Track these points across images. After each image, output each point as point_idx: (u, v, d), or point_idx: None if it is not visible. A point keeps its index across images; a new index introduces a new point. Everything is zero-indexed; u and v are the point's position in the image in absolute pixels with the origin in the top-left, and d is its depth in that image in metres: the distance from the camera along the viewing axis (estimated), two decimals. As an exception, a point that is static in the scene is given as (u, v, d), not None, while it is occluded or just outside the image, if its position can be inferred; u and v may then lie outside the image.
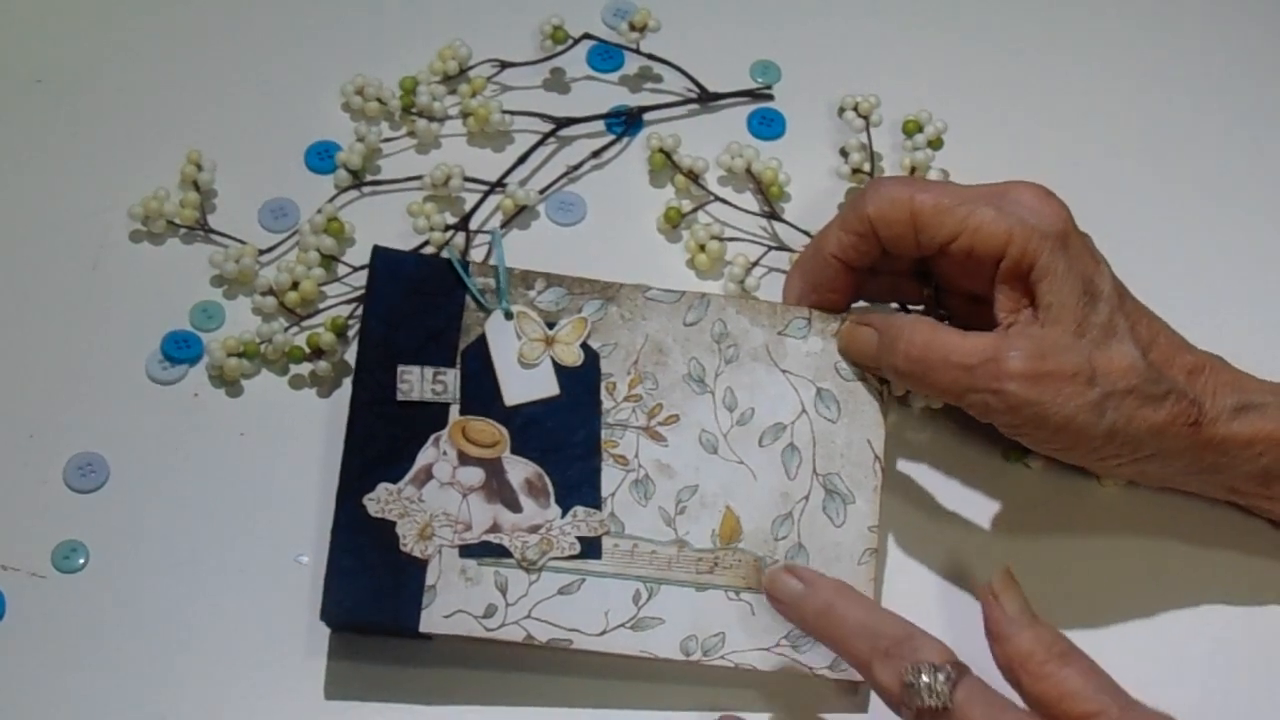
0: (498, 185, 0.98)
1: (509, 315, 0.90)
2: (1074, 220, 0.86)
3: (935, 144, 1.01)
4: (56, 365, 0.92)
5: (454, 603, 0.84)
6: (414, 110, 1.00)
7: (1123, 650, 0.89)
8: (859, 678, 0.82)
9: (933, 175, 0.99)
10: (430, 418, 0.88)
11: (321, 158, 0.99)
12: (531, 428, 0.88)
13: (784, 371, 0.90)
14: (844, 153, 1.00)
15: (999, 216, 0.85)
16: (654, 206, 0.99)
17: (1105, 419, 0.84)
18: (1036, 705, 0.78)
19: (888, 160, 1.01)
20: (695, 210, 0.99)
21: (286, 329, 0.93)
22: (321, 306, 0.94)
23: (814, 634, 0.83)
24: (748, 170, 0.99)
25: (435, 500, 0.86)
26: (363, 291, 0.91)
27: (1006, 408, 0.84)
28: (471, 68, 1.01)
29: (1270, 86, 1.06)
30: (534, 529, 0.86)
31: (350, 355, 0.92)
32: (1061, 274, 0.84)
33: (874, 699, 0.83)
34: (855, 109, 1.00)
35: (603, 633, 0.85)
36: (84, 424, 0.90)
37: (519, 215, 0.98)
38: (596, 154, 1.00)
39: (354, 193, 0.98)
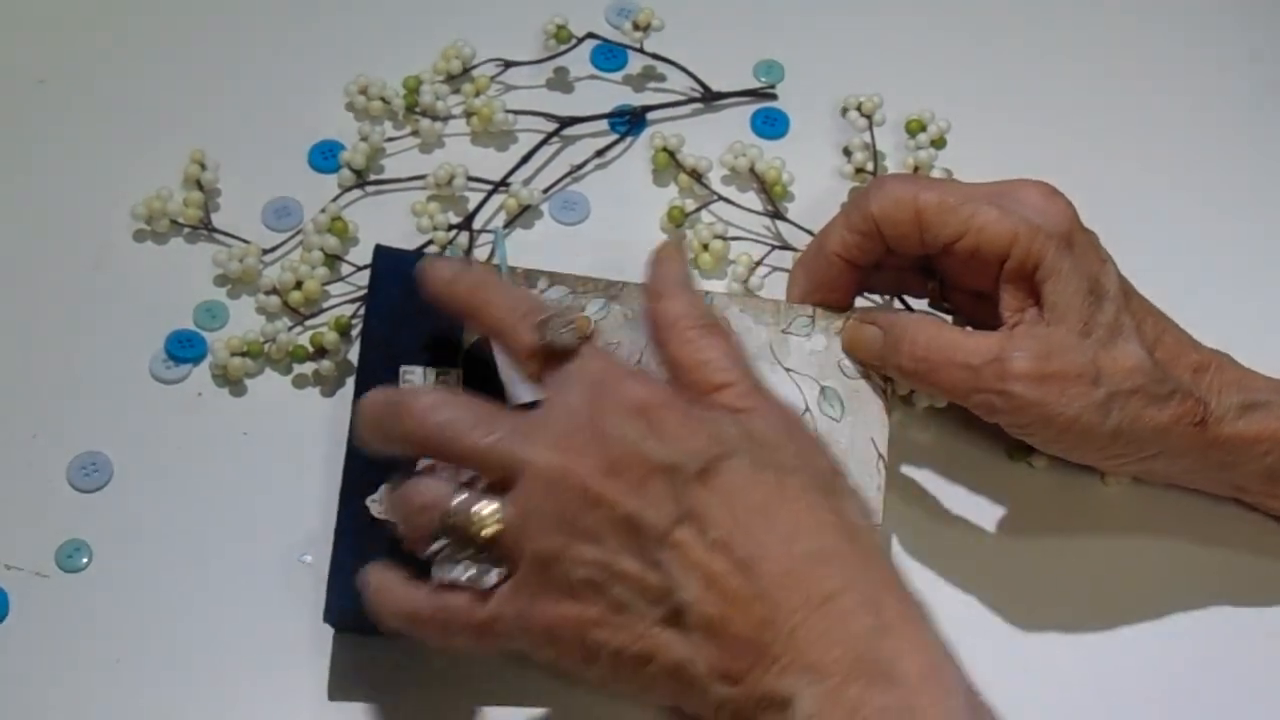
0: (501, 185, 0.98)
1: (512, 314, 0.90)
2: (1079, 219, 0.86)
3: (938, 143, 1.01)
4: (60, 365, 0.92)
5: (457, 602, 0.84)
6: (417, 110, 1.00)
7: (1128, 649, 0.89)
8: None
9: (936, 174, 0.99)
10: (433, 417, 0.87)
11: (325, 157, 0.99)
12: (534, 427, 0.88)
13: (787, 370, 0.90)
14: (847, 152, 1.00)
15: (1003, 216, 0.85)
16: (657, 206, 0.99)
17: (1111, 419, 0.84)
18: (674, 368, 0.79)
19: (891, 160, 1.01)
20: (699, 210, 0.99)
21: (290, 328, 0.93)
22: (325, 306, 0.94)
23: (464, 312, 0.83)
24: (751, 170, 0.99)
25: (438, 500, 0.86)
26: (366, 291, 0.91)
27: (1011, 408, 0.84)
28: (475, 67, 1.01)
29: (1273, 85, 1.06)
30: (537, 528, 0.86)
31: (354, 355, 0.92)
32: (1066, 273, 0.84)
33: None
34: (858, 108, 1.00)
35: None
36: (87, 423, 0.90)
37: (522, 215, 0.98)
38: (600, 153, 1.00)
39: (357, 192, 0.98)
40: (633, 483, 0.74)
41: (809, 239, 0.95)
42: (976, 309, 0.89)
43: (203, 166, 0.97)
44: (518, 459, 0.75)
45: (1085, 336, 0.84)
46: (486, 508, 0.76)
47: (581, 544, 0.74)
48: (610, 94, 1.03)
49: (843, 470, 0.78)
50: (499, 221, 0.98)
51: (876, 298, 0.95)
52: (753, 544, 0.72)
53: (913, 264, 0.91)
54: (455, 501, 0.76)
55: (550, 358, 0.79)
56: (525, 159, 0.99)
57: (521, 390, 0.88)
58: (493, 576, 0.76)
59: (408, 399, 0.78)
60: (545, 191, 0.99)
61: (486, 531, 0.76)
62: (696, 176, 0.99)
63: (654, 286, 0.81)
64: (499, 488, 0.76)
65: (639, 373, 0.78)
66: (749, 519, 0.73)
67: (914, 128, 1.01)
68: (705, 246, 0.97)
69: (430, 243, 0.95)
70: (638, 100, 1.03)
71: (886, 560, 0.75)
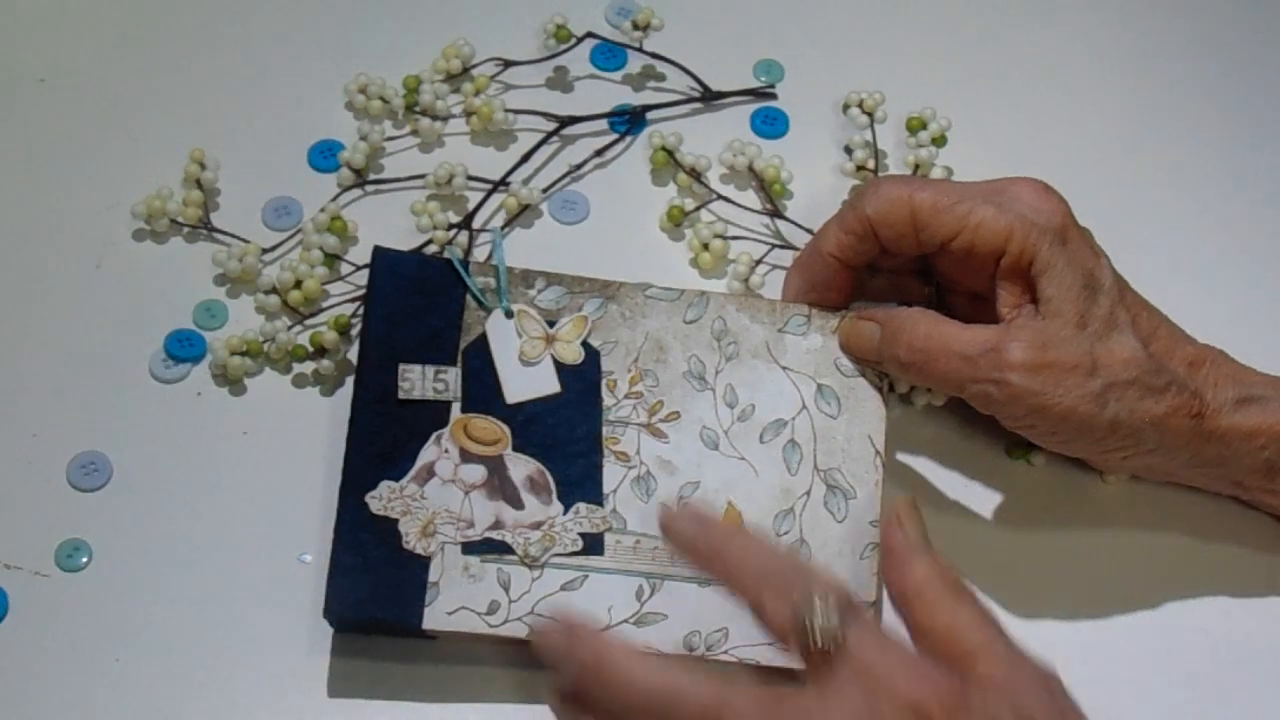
0: (501, 184, 0.98)
1: (509, 314, 0.90)
2: (1073, 215, 0.86)
3: (939, 141, 1.01)
4: (59, 364, 0.92)
5: (457, 600, 0.84)
6: (417, 109, 1.00)
7: (1126, 645, 0.89)
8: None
9: (936, 172, 0.99)
10: (432, 416, 0.88)
11: (325, 156, 0.99)
12: (533, 425, 0.88)
13: (784, 368, 0.90)
14: (848, 150, 1.00)
15: (998, 213, 0.85)
16: (657, 205, 0.99)
17: (1107, 410, 0.84)
18: (924, 637, 0.76)
19: (891, 158, 1.01)
20: (698, 209, 0.99)
21: (289, 328, 0.93)
22: (324, 305, 0.94)
23: (707, 573, 0.79)
24: (750, 168, 0.99)
25: (437, 498, 0.86)
26: (365, 290, 0.91)
27: (1008, 398, 0.84)
28: (474, 66, 1.01)
29: (1271, 83, 1.06)
30: (536, 526, 0.86)
31: (353, 354, 0.92)
32: (1061, 268, 0.84)
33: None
34: (860, 106, 1.00)
35: (606, 629, 0.85)
36: (87, 423, 0.91)
37: (522, 214, 0.98)
38: (599, 153, 1.01)
39: (357, 191, 0.98)
40: None
41: (809, 238, 0.95)
42: (973, 311, 0.89)
43: (202, 166, 0.97)
44: None
45: (1081, 329, 0.84)
46: None
47: None
48: (610, 93, 1.03)
49: None
50: (498, 221, 0.98)
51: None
52: None
53: (908, 265, 0.91)
54: None
55: (818, 643, 0.74)
56: (525, 158, 0.99)
57: (519, 388, 0.88)
58: None
59: (683, 685, 0.74)
60: (545, 191, 0.99)
61: None
62: (696, 175, 0.99)
63: (894, 552, 0.78)
64: None
65: (910, 662, 0.74)
66: None
67: (914, 125, 1.01)
68: (705, 246, 0.97)
69: (430, 242, 0.95)
70: (637, 100, 1.03)
71: None
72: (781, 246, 0.98)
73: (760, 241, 0.98)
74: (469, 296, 0.90)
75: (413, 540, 0.85)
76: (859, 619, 0.74)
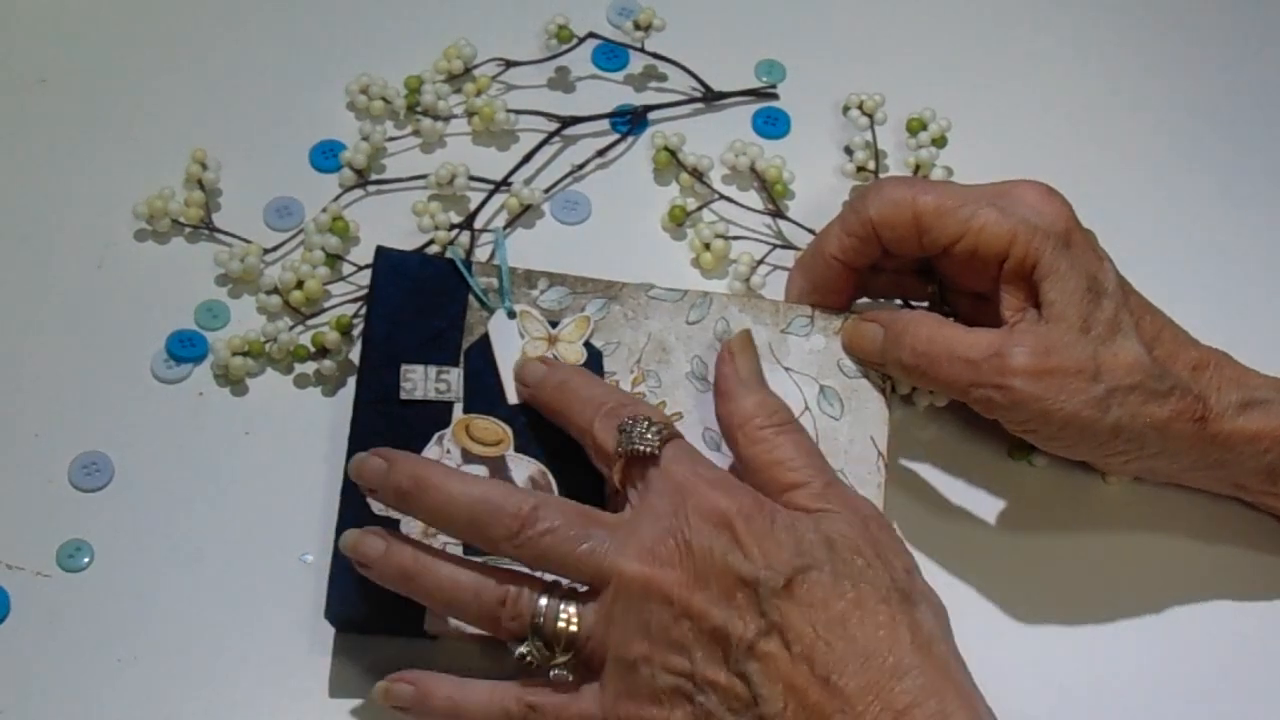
0: (502, 184, 0.98)
1: (512, 314, 0.90)
2: (1076, 218, 0.86)
3: (939, 142, 1.01)
4: (61, 364, 0.92)
5: (458, 601, 0.84)
6: (419, 109, 1.00)
7: (1129, 646, 0.89)
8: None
9: (937, 173, 0.99)
10: (434, 416, 0.88)
11: (326, 156, 0.99)
12: (535, 426, 0.88)
13: (787, 369, 0.90)
14: (848, 151, 1.00)
15: (1002, 217, 0.85)
16: (659, 205, 0.99)
17: (1110, 415, 0.84)
18: (747, 467, 0.82)
19: (892, 158, 1.01)
20: (700, 209, 0.99)
21: (291, 328, 0.93)
22: (326, 305, 0.94)
23: (552, 413, 0.86)
24: (752, 168, 0.99)
25: (439, 499, 0.86)
26: (367, 290, 0.91)
27: (1011, 403, 0.84)
28: (476, 67, 1.01)
29: (1272, 83, 1.06)
30: (538, 527, 0.86)
31: (355, 354, 0.92)
32: (1065, 272, 0.84)
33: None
34: (860, 107, 1.00)
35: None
36: (89, 423, 0.90)
37: (524, 214, 0.98)
38: (601, 153, 1.01)
39: (359, 192, 0.98)
40: (720, 595, 0.76)
41: (810, 238, 0.95)
42: (976, 312, 0.89)
43: (204, 166, 0.97)
44: (605, 567, 0.78)
45: (1084, 333, 0.84)
46: (572, 612, 0.79)
47: (669, 653, 0.77)
48: (611, 93, 1.03)
49: (915, 567, 0.80)
50: (500, 221, 0.98)
51: (873, 302, 0.95)
52: (833, 657, 0.75)
53: (911, 267, 0.91)
54: (542, 603, 0.79)
55: (633, 461, 0.81)
56: (526, 159, 0.99)
57: (521, 390, 0.88)
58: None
59: (498, 494, 0.80)
60: (546, 191, 0.99)
61: (574, 631, 0.78)
62: (698, 176, 0.99)
63: (723, 385, 0.84)
64: (584, 594, 0.79)
65: (720, 478, 0.80)
66: (830, 632, 0.75)
67: (915, 127, 1.01)
68: (707, 246, 0.97)
69: (431, 242, 0.95)
70: (639, 100, 1.03)
71: (959, 666, 0.77)
72: (783, 247, 0.98)
73: (762, 242, 0.98)
74: (471, 297, 0.90)
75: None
76: (679, 440, 0.81)
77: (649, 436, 0.80)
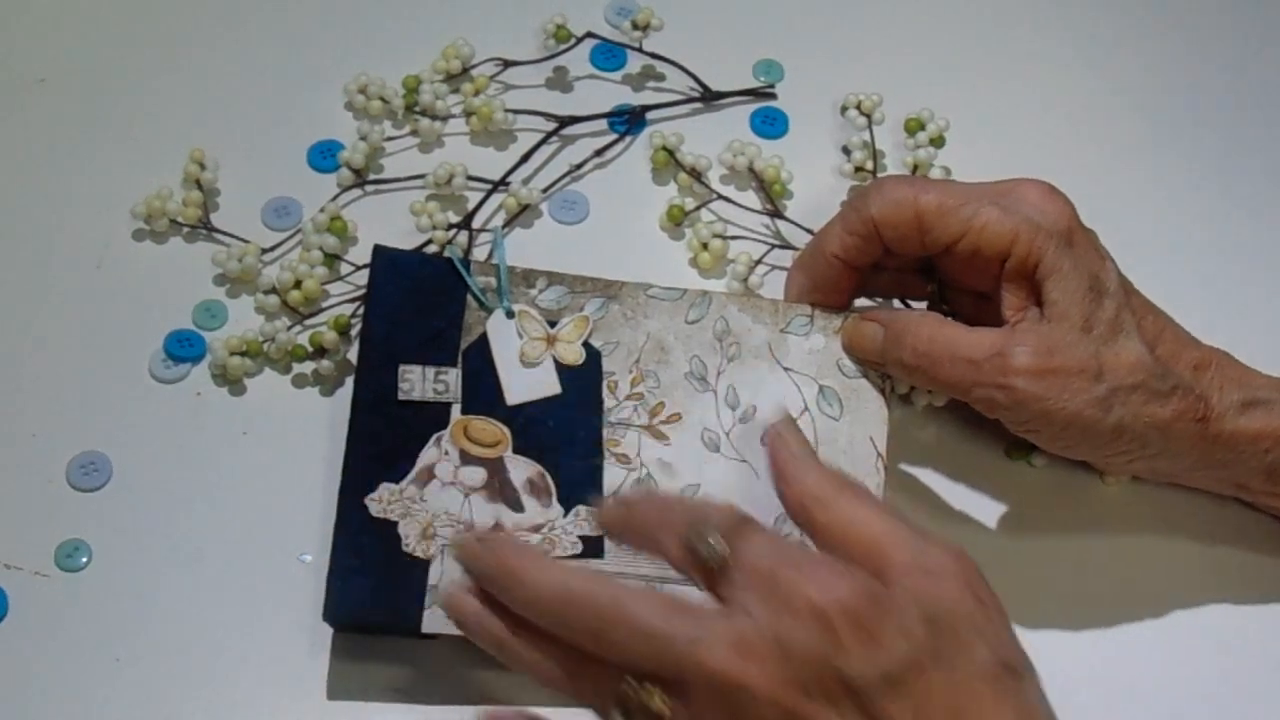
0: (500, 184, 0.98)
1: (510, 314, 0.90)
2: (1079, 217, 0.86)
3: (937, 142, 1.01)
4: (59, 364, 0.92)
5: (457, 602, 0.84)
6: (417, 109, 1.00)
7: (1128, 647, 0.89)
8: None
9: (935, 173, 0.99)
10: (432, 417, 0.87)
11: (324, 156, 0.99)
12: (533, 427, 0.88)
13: (786, 369, 0.90)
14: (846, 151, 1.00)
15: (1003, 215, 0.85)
16: (657, 205, 0.99)
17: (1112, 414, 0.84)
18: (824, 536, 0.76)
19: (890, 158, 1.01)
20: (698, 208, 0.99)
21: (289, 328, 0.93)
22: (324, 305, 0.94)
23: (641, 548, 0.80)
24: (750, 168, 0.99)
25: (437, 500, 0.86)
26: (365, 290, 0.91)
27: (1013, 403, 0.84)
28: (474, 66, 1.01)
29: (1273, 82, 1.06)
30: (536, 528, 0.86)
31: (353, 354, 0.92)
32: (1067, 271, 0.84)
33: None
34: (858, 107, 1.00)
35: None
36: (87, 423, 0.90)
37: (522, 214, 0.98)
38: (599, 153, 1.00)
39: (357, 191, 0.98)
40: (822, 695, 0.71)
41: (808, 238, 0.95)
42: (977, 311, 0.89)
43: (202, 166, 0.97)
44: (696, 663, 0.72)
45: (1086, 333, 0.84)
46: (661, 702, 0.73)
47: None
48: (609, 93, 1.03)
49: (1006, 616, 0.76)
50: (498, 221, 0.98)
51: (873, 300, 0.95)
52: None
53: (911, 266, 0.91)
54: (630, 690, 0.74)
55: (708, 570, 0.75)
56: (525, 158, 0.99)
57: (519, 389, 0.88)
58: None
59: (580, 585, 0.76)
60: (545, 191, 0.99)
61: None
62: (696, 175, 0.99)
63: (781, 468, 0.79)
64: (673, 685, 0.73)
65: (805, 560, 0.74)
66: None
67: (913, 126, 1.01)
68: (704, 245, 0.97)
69: (429, 242, 0.95)
70: (637, 100, 1.03)
71: None
72: (781, 246, 0.98)
73: (760, 241, 0.98)
74: (470, 296, 0.90)
75: (412, 543, 0.85)
76: (751, 532, 0.75)
77: (712, 544, 0.75)
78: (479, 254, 0.96)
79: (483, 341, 0.89)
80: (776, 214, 0.99)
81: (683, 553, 0.75)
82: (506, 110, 0.99)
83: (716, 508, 0.76)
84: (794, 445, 0.79)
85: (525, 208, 0.98)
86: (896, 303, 0.94)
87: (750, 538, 0.74)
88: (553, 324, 0.90)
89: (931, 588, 0.73)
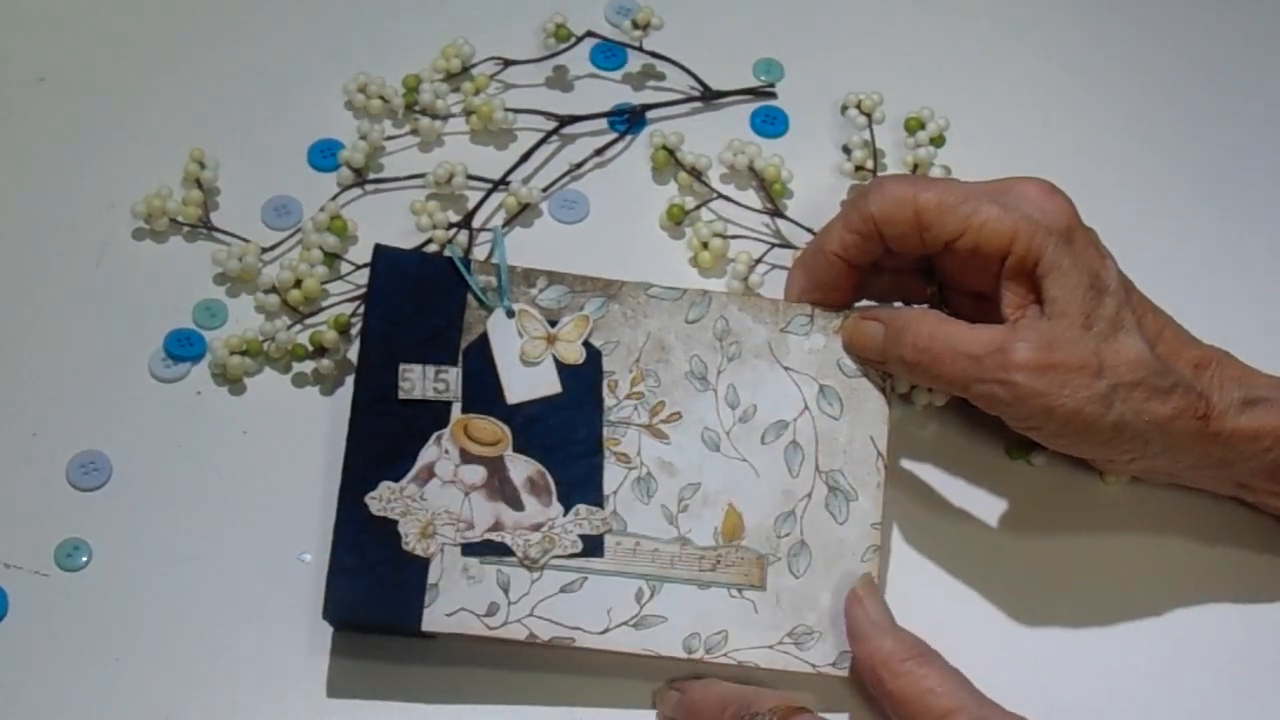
0: (501, 183, 0.98)
1: (511, 313, 0.90)
2: (1078, 215, 0.86)
3: (937, 141, 1.01)
4: (59, 363, 0.92)
5: (456, 601, 0.84)
6: (417, 108, 1.00)
7: (1127, 646, 0.89)
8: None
9: (935, 172, 0.99)
10: (432, 416, 0.87)
11: (324, 155, 0.99)
12: (533, 426, 0.88)
13: (786, 368, 0.90)
14: (847, 150, 1.00)
15: (1003, 213, 0.85)
16: (657, 204, 0.99)
17: (1113, 411, 0.84)
18: (895, 701, 0.81)
19: (890, 157, 1.01)
20: (698, 208, 0.99)
21: (289, 327, 0.93)
22: (324, 304, 0.94)
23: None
24: (750, 167, 0.99)
25: (437, 499, 0.86)
26: (365, 289, 0.91)
27: (1014, 399, 0.84)
28: (474, 65, 1.01)
29: (1273, 81, 1.06)
30: (536, 527, 0.86)
31: (353, 353, 0.92)
32: (1067, 269, 0.84)
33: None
34: (858, 106, 1.00)
35: (605, 631, 0.85)
36: (87, 422, 0.90)
37: (522, 213, 0.98)
38: (599, 152, 1.00)
39: (357, 191, 0.98)
40: None
41: (809, 236, 0.95)
42: (977, 312, 0.89)
43: (202, 165, 0.97)
44: None
45: (1087, 330, 0.84)
46: None
47: None
48: (610, 92, 1.03)
49: None
50: (498, 220, 0.98)
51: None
52: None
53: (911, 265, 0.91)
54: None
55: None
56: (525, 157, 0.99)
57: (520, 388, 0.88)
58: None
59: None
60: (545, 190, 0.99)
61: None
62: (696, 174, 0.99)
63: (856, 629, 0.84)
64: None
65: None
66: None
67: (913, 126, 1.01)
68: (705, 245, 0.97)
69: (429, 241, 0.95)
70: (637, 99, 1.03)
71: None
72: (781, 246, 0.98)
73: (760, 240, 0.98)
74: (470, 296, 0.90)
75: (412, 541, 0.85)
76: (797, 715, 0.80)
77: None
78: (479, 253, 0.96)
79: (483, 340, 0.89)
80: (777, 213, 0.99)
81: None
82: (506, 109, 0.99)
83: (766, 696, 0.81)
84: (872, 611, 0.84)
85: (525, 207, 0.98)
86: (898, 304, 0.94)
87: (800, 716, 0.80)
88: (553, 323, 0.90)
89: None
